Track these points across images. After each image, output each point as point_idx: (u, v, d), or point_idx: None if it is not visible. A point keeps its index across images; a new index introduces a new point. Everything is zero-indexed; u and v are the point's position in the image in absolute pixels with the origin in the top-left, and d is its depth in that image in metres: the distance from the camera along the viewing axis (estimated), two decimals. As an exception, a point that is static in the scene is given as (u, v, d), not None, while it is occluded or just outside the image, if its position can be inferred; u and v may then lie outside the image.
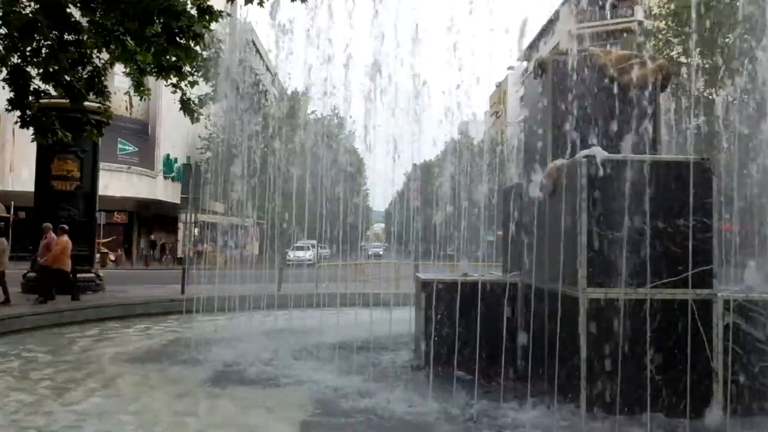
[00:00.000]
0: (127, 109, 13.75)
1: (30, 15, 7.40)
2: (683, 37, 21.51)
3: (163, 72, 8.66)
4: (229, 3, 8.68)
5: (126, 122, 31.96)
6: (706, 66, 19.68)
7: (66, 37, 7.82)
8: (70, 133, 9.36)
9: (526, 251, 6.10)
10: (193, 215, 16.98)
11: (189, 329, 9.70)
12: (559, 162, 5.65)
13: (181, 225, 37.78)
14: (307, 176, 10.92)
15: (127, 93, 10.02)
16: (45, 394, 5.73)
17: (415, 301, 7.40)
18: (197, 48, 8.28)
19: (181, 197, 17.76)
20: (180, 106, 9.36)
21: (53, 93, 8.79)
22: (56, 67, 7.88)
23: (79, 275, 11.73)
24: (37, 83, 8.21)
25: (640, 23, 32.79)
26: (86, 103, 9.15)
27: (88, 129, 9.69)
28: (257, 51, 49.68)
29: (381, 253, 37.12)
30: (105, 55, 8.79)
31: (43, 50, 7.84)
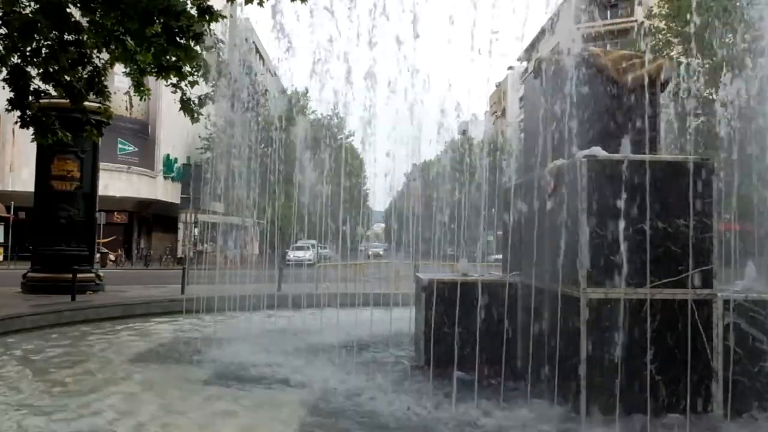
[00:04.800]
0: (127, 109, 13.72)
1: (30, 15, 7.41)
2: (680, 38, 21.55)
3: (163, 72, 8.67)
4: (229, 3, 8.69)
5: (126, 122, 32.00)
6: (707, 66, 19.67)
7: (66, 37, 7.82)
8: (70, 133, 9.37)
9: (525, 251, 6.10)
10: (193, 215, 16.98)
11: (188, 329, 9.69)
12: (559, 162, 5.65)
13: (181, 225, 37.88)
14: (306, 176, 10.92)
15: (127, 93, 10.03)
16: (43, 394, 5.73)
17: (415, 301, 7.40)
18: (197, 48, 8.28)
19: (181, 197, 17.79)
20: (180, 106, 9.37)
21: (53, 93, 8.80)
22: (56, 67, 7.89)
23: (79, 275, 11.72)
24: (37, 83, 8.22)
25: (641, 23, 32.78)
26: (86, 103, 9.15)
27: (88, 129, 9.70)
28: (257, 51, 49.70)
29: (381, 252, 37.20)
30: (105, 55, 8.79)
31: (43, 50, 7.85)
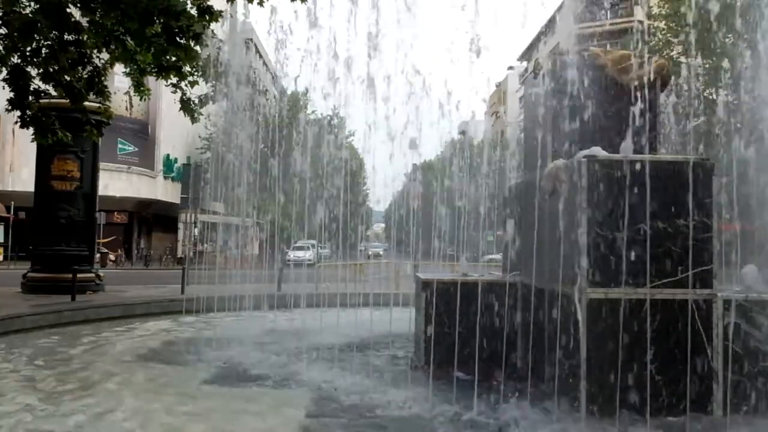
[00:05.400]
0: (127, 109, 13.76)
1: (30, 15, 7.41)
2: (682, 37, 21.54)
3: (163, 72, 8.67)
4: (229, 3, 8.70)
5: (126, 122, 32.00)
6: (707, 66, 19.66)
7: (66, 37, 7.82)
8: (70, 133, 9.37)
9: (525, 251, 6.10)
10: (193, 215, 16.98)
11: (188, 329, 9.70)
12: (559, 162, 5.65)
13: (181, 225, 37.89)
14: (307, 177, 10.92)
15: (127, 93, 10.03)
16: (43, 394, 5.73)
17: (415, 301, 7.40)
18: (197, 48, 8.29)
19: (181, 197, 17.81)
20: (180, 106, 9.38)
21: (53, 93, 8.79)
22: (56, 67, 7.89)
23: (79, 275, 11.72)
24: (37, 83, 8.22)
25: (641, 23, 32.80)
26: (86, 103, 9.15)
27: (88, 129, 9.70)
28: (257, 51, 49.70)
29: (381, 252, 37.28)
30: (105, 55, 8.80)
31: (43, 50, 7.85)
